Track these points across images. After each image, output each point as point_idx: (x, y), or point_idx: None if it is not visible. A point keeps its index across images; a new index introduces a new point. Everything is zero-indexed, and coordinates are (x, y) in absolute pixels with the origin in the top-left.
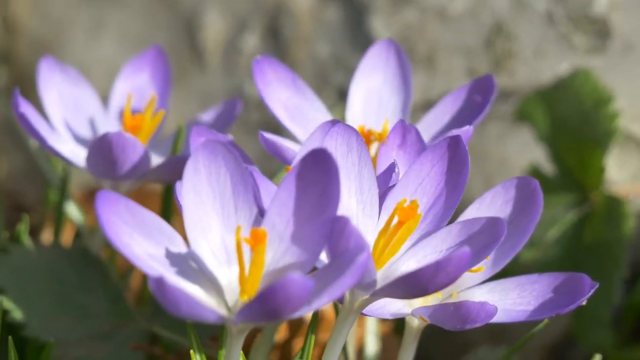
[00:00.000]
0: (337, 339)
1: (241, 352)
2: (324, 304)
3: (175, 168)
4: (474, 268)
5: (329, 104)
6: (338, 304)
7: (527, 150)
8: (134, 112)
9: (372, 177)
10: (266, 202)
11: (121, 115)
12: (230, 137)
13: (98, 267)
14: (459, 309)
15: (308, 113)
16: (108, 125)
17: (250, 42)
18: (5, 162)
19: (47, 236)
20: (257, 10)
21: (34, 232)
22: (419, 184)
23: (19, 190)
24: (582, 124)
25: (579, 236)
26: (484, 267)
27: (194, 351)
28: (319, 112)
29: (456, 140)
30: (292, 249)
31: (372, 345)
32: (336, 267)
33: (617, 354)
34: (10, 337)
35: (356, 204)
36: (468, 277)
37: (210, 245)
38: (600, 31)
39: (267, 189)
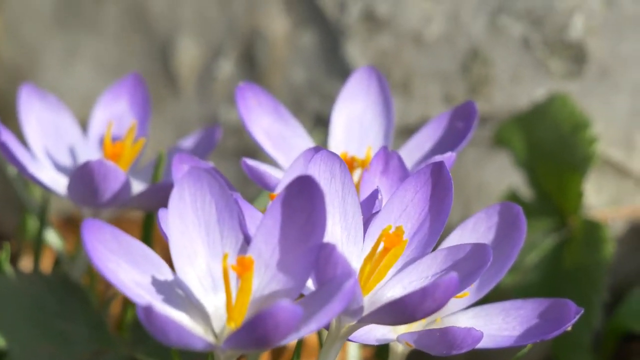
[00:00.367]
0: None
1: None
2: (311, 330)
3: (156, 196)
4: (458, 294)
5: (305, 130)
6: (322, 330)
7: (504, 175)
8: (114, 139)
9: (356, 204)
10: (252, 230)
11: (101, 142)
12: (211, 164)
13: (79, 294)
14: (446, 334)
15: (290, 139)
16: (88, 152)
17: (225, 68)
18: None
19: (25, 263)
20: (231, 36)
21: (12, 260)
22: (403, 210)
23: None
24: (560, 149)
25: (559, 261)
26: (469, 292)
27: None
28: (300, 139)
29: (439, 166)
30: (279, 277)
31: None
32: (323, 294)
33: None
34: None
35: (340, 231)
36: (452, 303)
37: (197, 272)
38: (576, 56)
39: (252, 216)
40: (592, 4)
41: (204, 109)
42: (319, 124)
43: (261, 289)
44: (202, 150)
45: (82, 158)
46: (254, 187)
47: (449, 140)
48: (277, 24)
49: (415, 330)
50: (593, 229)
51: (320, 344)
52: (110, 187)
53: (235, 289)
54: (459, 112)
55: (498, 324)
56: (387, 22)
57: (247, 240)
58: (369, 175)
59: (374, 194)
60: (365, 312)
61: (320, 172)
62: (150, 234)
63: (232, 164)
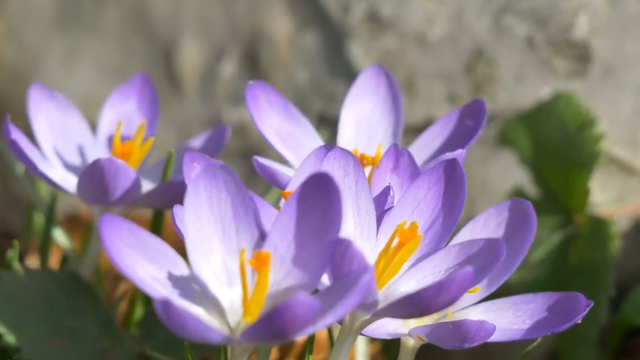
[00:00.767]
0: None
1: None
2: (328, 324)
3: (166, 194)
4: (471, 288)
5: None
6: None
7: (509, 174)
8: (122, 139)
9: (369, 201)
10: (267, 226)
11: (109, 142)
12: (221, 162)
13: (87, 291)
14: (459, 327)
15: (300, 138)
16: (97, 152)
17: (228, 68)
18: None
19: (32, 261)
20: (234, 36)
21: (20, 258)
22: (416, 206)
23: (1, 217)
24: (565, 147)
25: (565, 257)
26: (480, 287)
27: None
28: (310, 138)
29: (453, 163)
30: (294, 272)
31: None
32: (340, 288)
33: None
34: None
35: (354, 227)
36: (464, 297)
37: (213, 267)
38: (580, 55)
39: (268, 213)
40: (596, 3)
41: (207, 109)
42: (323, 124)
43: (277, 283)
44: (210, 149)
45: (92, 157)
46: (259, 187)
47: (458, 138)
48: (281, 25)
49: (427, 324)
50: (599, 226)
51: (330, 339)
52: (121, 185)
53: (252, 283)
54: (468, 110)
55: (508, 318)
56: (391, 22)
57: (262, 236)
58: (379, 173)
59: (386, 191)
60: (380, 306)
61: (334, 169)
62: (159, 232)
63: (235, 163)
